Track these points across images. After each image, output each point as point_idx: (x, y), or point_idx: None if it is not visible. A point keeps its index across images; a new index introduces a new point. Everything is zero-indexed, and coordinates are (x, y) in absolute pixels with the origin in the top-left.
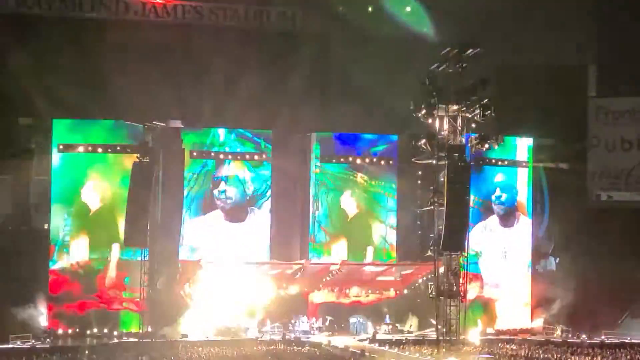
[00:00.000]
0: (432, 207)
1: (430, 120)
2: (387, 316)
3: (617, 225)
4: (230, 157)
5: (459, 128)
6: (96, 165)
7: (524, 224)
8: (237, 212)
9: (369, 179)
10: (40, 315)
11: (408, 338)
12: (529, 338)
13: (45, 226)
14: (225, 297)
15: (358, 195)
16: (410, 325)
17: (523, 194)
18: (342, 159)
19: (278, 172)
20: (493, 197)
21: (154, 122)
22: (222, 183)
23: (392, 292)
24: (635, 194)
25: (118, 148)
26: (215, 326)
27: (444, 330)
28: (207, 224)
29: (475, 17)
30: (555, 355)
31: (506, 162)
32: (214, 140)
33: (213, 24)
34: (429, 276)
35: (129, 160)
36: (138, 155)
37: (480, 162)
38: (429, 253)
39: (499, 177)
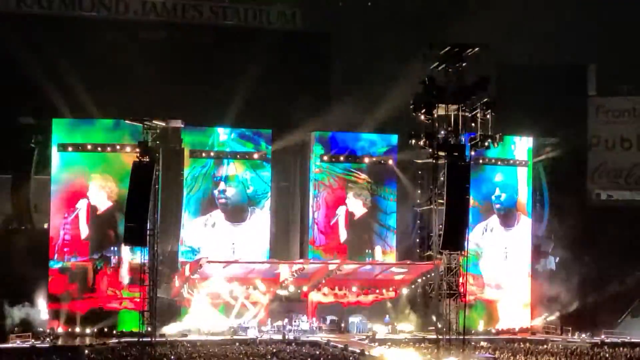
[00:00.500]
0: (432, 206)
1: (430, 120)
2: (387, 316)
3: (617, 224)
4: (230, 156)
5: (459, 127)
6: (97, 164)
7: (524, 224)
8: (237, 212)
9: (368, 179)
10: (40, 314)
11: (408, 337)
12: (529, 337)
13: (45, 225)
14: (226, 297)
15: (358, 195)
16: (410, 325)
17: (523, 194)
18: (341, 159)
19: (278, 172)
20: (493, 197)
21: (154, 122)
22: (222, 183)
23: (391, 292)
24: (635, 192)
25: (118, 147)
26: (215, 325)
27: (444, 329)
28: (208, 223)
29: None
30: (555, 354)
31: (506, 162)
32: (215, 139)
33: (213, 23)
34: (429, 276)
35: (129, 160)
36: (138, 154)
37: (480, 162)
38: (429, 252)
39: (498, 177)
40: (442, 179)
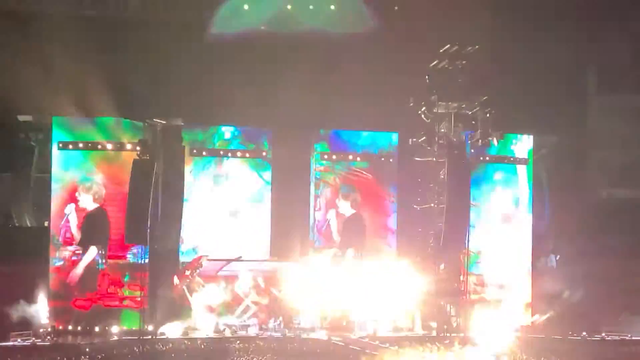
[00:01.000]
0: (433, 204)
1: (430, 118)
2: (387, 315)
3: (618, 222)
4: (230, 154)
5: (459, 125)
6: (98, 163)
7: (524, 222)
8: (239, 210)
9: (369, 177)
10: (41, 312)
11: (408, 335)
12: (529, 335)
13: (46, 224)
14: (226, 295)
15: (359, 193)
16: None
17: (524, 192)
18: (342, 156)
19: (278, 170)
20: (493, 195)
21: (154, 120)
22: (223, 180)
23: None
24: (635, 191)
25: (118, 146)
26: (216, 323)
27: (445, 328)
28: (207, 221)
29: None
30: (554, 352)
31: (506, 160)
32: (216, 138)
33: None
34: (429, 274)
35: (130, 158)
36: (138, 152)
37: (481, 160)
38: (429, 251)
39: (498, 175)
40: (442, 177)
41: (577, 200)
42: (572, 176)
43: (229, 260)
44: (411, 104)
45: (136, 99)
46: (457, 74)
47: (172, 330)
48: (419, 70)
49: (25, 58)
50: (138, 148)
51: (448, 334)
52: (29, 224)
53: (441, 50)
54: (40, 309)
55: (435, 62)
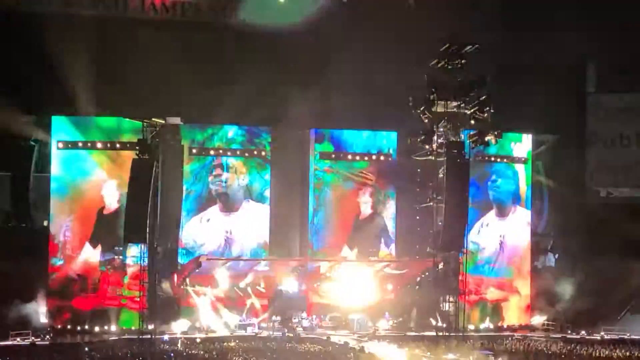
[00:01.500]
0: (431, 203)
1: (429, 117)
2: (387, 313)
3: (616, 221)
4: (229, 153)
5: (458, 124)
6: (97, 161)
7: (523, 219)
8: (232, 203)
9: (366, 176)
10: (40, 312)
11: (407, 335)
12: (528, 334)
13: (45, 223)
14: (225, 294)
15: (358, 192)
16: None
17: (522, 191)
18: (341, 156)
19: (277, 169)
20: (489, 183)
21: (153, 119)
22: (222, 177)
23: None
24: (634, 189)
25: (118, 145)
26: (215, 322)
27: (444, 326)
28: (205, 219)
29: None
30: (554, 351)
31: (505, 159)
32: (215, 137)
33: (212, 21)
34: (428, 273)
35: (129, 157)
36: (137, 152)
37: (479, 159)
38: (428, 250)
39: (497, 174)
40: (441, 175)
41: (576, 199)
42: (571, 175)
43: (227, 260)
44: (410, 104)
45: (135, 99)
46: (456, 73)
47: (171, 329)
48: (418, 69)
49: (25, 58)
50: (137, 148)
51: (447, 333)
52: (28, 224)
53: (441, 50)
54: (39, 309)
55: (434, 61)
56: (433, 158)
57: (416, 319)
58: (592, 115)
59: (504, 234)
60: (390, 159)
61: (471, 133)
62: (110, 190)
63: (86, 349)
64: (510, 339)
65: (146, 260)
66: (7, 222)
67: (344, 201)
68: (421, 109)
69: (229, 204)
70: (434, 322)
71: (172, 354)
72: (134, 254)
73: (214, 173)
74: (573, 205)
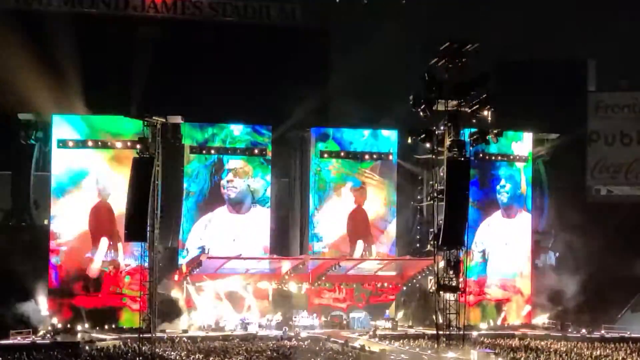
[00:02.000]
0: (432, 202)
1: (429, 116)
2: (387, 312)
3: (617, 219)
4: (230, 152)
5: (459, 123)
6: (97, 160)
7: (525, 219)
8: (241, 205)
9: (369, 175)
10: (41, 310)
11: (408, 333)
12: (529, 332)
13: (45, 222)
14: (226, 293)
15: (358, 191)
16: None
17: (523, 190)
18: (342, 155)
19: (278, 168)
20: (498, 187)
21: (154, 118)
22: (227, 176)
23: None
24: (634, 188)
25: (118, 144)
26: (215, 321)
27: (444, 325)
28: (211, 220)
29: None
30: (554, 349)
31: (505, 157)
32: (217, 136)
33: (212, 20)
34: (429, 271)
35: (130, 156)
36: (138, 150)
37: (480, 157)
38: (429, 247)
39: (497, 173)
40: (442, 174)
41: (576, 197)
42: (571, 173)
43: (228, 258)
44: (410, 102)
45: (136, 97)
46: (456, 72)
47: (171, 328)
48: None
49: (25, 57)
50: (138, 146)
51: (447, 332)
52: (28, 222)
53: (441, 48)
54: (39, 307)
55: (434, 60)
56: (433, 157)
57: (416, 318)
58: (593, 113)
59: (507, 234)
60: (391, 157)
61: (472, 132)
62: (110, 189)
63: (86, 347)
64: (511, 336)
65: (146, 259)
66: (8, 221)
67: (346, 199)
68: (422, 107)
69: (237, 207)
70: (434, 320)
71: (172, 353)
72: (135, 253)
73: (225, 178)
74: (574, 203)
